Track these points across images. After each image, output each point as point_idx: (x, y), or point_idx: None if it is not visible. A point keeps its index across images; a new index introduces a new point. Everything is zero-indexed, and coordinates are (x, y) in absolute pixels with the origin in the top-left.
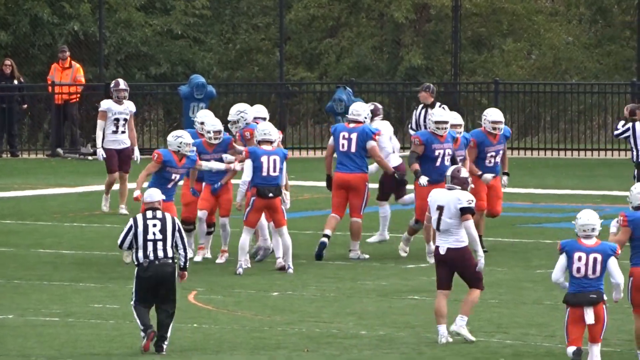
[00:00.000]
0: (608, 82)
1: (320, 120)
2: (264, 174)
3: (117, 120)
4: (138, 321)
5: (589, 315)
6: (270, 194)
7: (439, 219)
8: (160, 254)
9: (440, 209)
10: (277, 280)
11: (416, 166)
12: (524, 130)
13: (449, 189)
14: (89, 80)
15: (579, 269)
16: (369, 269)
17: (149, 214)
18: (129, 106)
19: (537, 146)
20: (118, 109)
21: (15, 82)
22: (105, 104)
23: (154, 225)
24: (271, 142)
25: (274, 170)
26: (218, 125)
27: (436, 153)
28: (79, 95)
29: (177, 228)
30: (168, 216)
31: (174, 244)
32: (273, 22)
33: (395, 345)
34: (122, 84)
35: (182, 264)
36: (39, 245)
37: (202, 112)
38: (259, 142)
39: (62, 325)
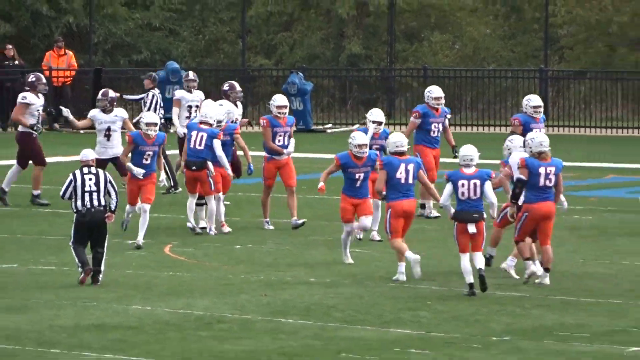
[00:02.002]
0: (520, 68)
1: None
2: (191, 146)
3: (190, 107)
4: (76, 259)
5: (472, 228)
6: (194, 167)
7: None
8: (95, 202)
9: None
10: (241, 236)
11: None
12: (453, 111)
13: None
14: (81, 66)
15: (463, 193)
16: (319, 227)
17: (85, 169)
18: (199, 95)
19: (460, 123)
20: (190, 97)
21: (17, 62)
22: (179, 93)
23: (90, 179)
24: (210, 124)
25: (199, 145)
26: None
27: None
28: (72, 78)
29: (108, 180)
30: (100, 171)
31: (106, 194)
32: (236, 17)
33: (339, 290)
34: (192, 75)
35: (112, 207)
36: (38, 206)
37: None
38: (200, 122)
39: (58, 273)
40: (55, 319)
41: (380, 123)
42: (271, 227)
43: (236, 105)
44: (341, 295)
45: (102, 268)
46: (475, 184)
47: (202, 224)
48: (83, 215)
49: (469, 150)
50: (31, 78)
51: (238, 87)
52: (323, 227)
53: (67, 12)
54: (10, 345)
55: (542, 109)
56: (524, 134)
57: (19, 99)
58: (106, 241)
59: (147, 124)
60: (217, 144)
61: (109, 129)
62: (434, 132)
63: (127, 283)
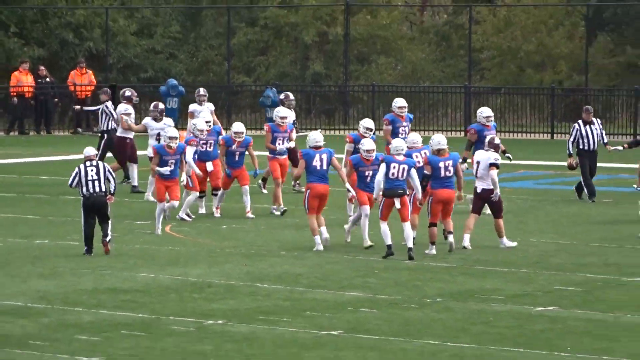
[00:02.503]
0: (448, 85)
1: (255, 110)
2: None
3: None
4: (84, 236)
5: (397, 202)
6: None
7: (476, 170)
8: (97, 189)
9: (478, 163)
10: (226, 218)
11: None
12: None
13: (486, 150)
14: (98, 82)
15: (393, 174)
16: (291, 211)
17: (88, 163)
18: (209, 106)
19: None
20: (200, 109)
21: (48, 80)
22: (192, 107)
23: (92, 170)
24: (174, 139)
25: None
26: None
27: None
28: (91, 92)
29: (107, 170)
30: (100, 163)
31: (105, 181)
32: (223, 43)
33: (304, 261)
34: (202, 90)
35: (112, 191)
36: (65, 193)
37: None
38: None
39: (80, 247)
40: (78, 284)
41: (370, 129)
42: (278, 212)
43: (291, 110)
44: (306, 265)
45: (110, 236)
46: (403, 168)
47: (201, 210)
48: (87, 199)
49: (400, 144)
50: (127, 93)
51: (292, 96)
52: (292, 211)
53: (88, 39)
54: (42, 305)
55: (492, 118)
56: (479, 140)
57: (123, 110)
58: (110, 217)
59: (170, 138)
60: (188, 150)
61: (158, 134)
62: (401, 134)
63: (136, 255)
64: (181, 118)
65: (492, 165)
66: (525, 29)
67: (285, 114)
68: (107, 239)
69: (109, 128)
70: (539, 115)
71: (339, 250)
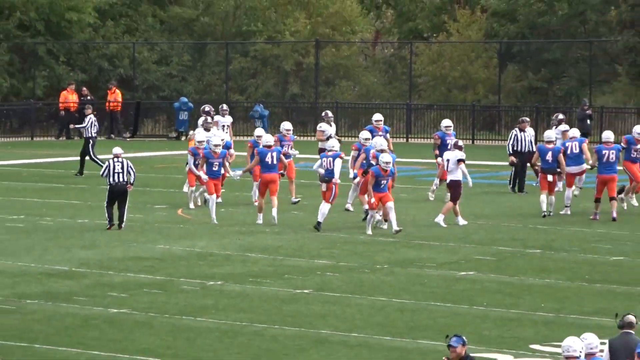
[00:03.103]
0: (394, 102)
1: (246, 120)
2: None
3: (224, 126)
4: (106, 214)
5: (324, 187)
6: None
7: (447, 166)
8: (120, 179)
9: (448, 160)
10: (225, 205)
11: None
12: (351, 129)
13: (453, 150)
14: (126, 99)
15: (324, 165)
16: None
17: (115, 159)
18: (229, 119)
19: (357, 135)
20: (223, 120)
21: (89, 97)
22: (217, 118)
23: (118, 165)
24: (218, 146)
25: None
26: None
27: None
28: (120, 106)
29: (129, 166)
30: (124, 160)
31: (127, 174)
32: (222, 70)
33: (283, 236)
34: (225, 106)
35: (132, 181)
36: (100, 184)
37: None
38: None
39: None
40: (110, 253)
41: (368, 139)
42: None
43: (330, 125)
44: (285, 240)
45: (125, 219)
46: (329, 161)
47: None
48: (112, 187)
49: (333, 143)
50: (206, 108)
51: (330, 114)
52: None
53: (119, 66)
54: (82, 269)
55: (452, 128)
56: (442, 144)
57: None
58: (127, 203)
59: (215, 145)
60: (189, 159)
61: (224, 126)
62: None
63: (154, 231)
64: (190, 128)
65: (459, 160)
66: (453, 60)
67: (288, 127)
68: (123, 223)
69: (93, 135)
70: (463, 126)
71: (310, 229)
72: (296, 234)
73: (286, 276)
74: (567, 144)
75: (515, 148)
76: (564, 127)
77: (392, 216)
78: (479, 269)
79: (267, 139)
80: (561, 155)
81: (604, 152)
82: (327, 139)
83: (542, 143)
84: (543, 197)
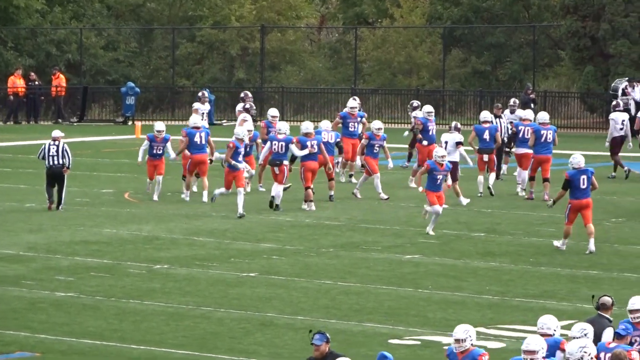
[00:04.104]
0: (339, 87)
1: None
2: (197, 142)
3: (203, 113)
4: (46, 194)
5: (276, 169)
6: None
7: (445, 147)
8: (56, 162)
9: (446, 142)
10: (170, 188)
11: None
12: (296, 113)
13: (451, 133)
14: (74, 84)
15: (275, 149)
16: (216, 182)
17: (52, 142)
18: (208, 106)
19: (304, 120)
20: (203, 108)
21: (37, 83)
22: (197, 105)
23: (53, 148)
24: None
25: (203, 141)
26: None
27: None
28: (64, 91)
29: (64, 149)
30: (61, 143)
31: (63, 157)
32: (169, 55)
33: (229, 220)
34: (207, 93)
35: (67, 164)
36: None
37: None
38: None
39: (61, 209)
40: (58, 237)
41: (380, 129)
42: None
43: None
44: (231, 223)
45: (63, 201)
46: (282, 145)
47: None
48: (48, 169)
49: (282, 126)
50: (242, 95)
51: (358, 100)
52: (217, 182)
53: (67, 52)
54: (30, 253)
55: (433, 114)
56: (424, 130)
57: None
58: (65, 185)
59: (243, 135)
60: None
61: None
62: (352, 128)
63: (102, 215)
64: (137, 112)
65: (458, 143)
66: (397, 45)
67: (274, 113)
68: (61, 204)
69: None
70: (407, 110)
71: (255, 213)
72: (242, 218)
73: (232, 259)
74: (520, 127)
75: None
76: (525, 113)
77: (434, 220)
78: (424, 252)
79: (196, 120)
80: (498, 134)
81: (542, 132)
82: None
83: (479, 123)
84: (480, 178)
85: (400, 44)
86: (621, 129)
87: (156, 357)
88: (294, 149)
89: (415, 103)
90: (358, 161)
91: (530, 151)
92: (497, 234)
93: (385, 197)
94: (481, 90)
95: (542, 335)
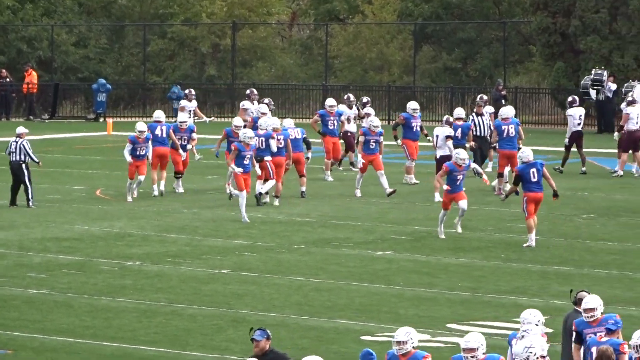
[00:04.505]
0: (310, 83)
1: (164, 102)
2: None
3: (190, 111)
4: (10, 193)
5: (257, 166)
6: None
7: (436, 142)
8: (14, 158)
9: (437, 136)
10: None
11: None
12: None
13: (442, 127)
14: (46, 81)
15: (258, 146)
16: (189, 178)
17: (13, 139)
18: (195, 103)
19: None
20: (189, 105)
21: (8, 80)
22: (184, 102)
23: (13, 144)
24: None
25: (165, 134)
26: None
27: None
28: (36, 87)
29: (22, 145)
30: (20, 140)
31: (20, 153)
32: (140, 51)
33: (200, 217)
34: (193, 91)
35: (24, 161)
36: None
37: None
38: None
39: (32, 207)
40: (30, 234)
41: (377, 126)
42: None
43: (350, 108)
44: (202, 220)
45: (31, 197)
46: (262, 140)
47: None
48: (10, 165)
49: (264, 122)
50: (247, 91)
51: (352, 97)
52: (189, 178)
53: (38, 49)
54: (1, 250)
55: (418, 110)
56: (405, 125)
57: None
58: (27, 181)
59: (249, 137)
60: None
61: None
62: (331, 125)
63: (74, 212)
64: (108, 109)
65: (448, 137)
66: (369, 41)
67: (264, 110)
68: (31, 204)
69: None
70: (379, 106)
71: (226, 209)
72: (213, 213)
73: (204, 256)
74: (503, 127)
75: (474, 133)
76: (489, 108)
77: (459, 220)
78: (395, 248)
79: (159, 115)
80: (471, 132)
81: (503, 127)
82: (348, 119)
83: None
84: None
85: (371, 40)
86: (579, 123)
87: (128, 354)
88: (272, 144)
89: (365, 99)
90: (359, 159)
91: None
92: (469, 230)
93: (390, 190)
94: (452, 86)
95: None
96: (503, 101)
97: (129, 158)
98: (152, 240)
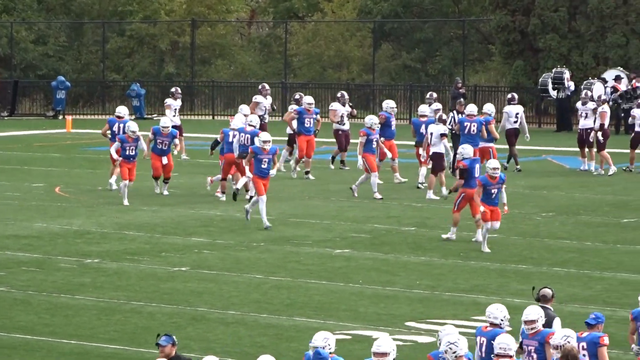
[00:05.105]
0: (270, 81)
1: (123, 99)
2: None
3: (176, 109)
4: None
5: (243, 162)
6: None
7: (430, 139)
8: None
9: (431, 134)
10: (99, 185)
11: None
12: (227, 107)
13: (437, 124)
14: (5, 78)
15: (241, 141)
16: (147, 177)
17: None
18: (179, 102)
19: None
20: (175, 104)
21: None
22: (169, 101)
23: None
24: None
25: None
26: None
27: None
28: None
29: None
30: None
31: None
32: (99, 49)
33: (160, 215)
34: (179, 90)
35: None
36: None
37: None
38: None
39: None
40: None
41: (376, 123)
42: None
43: (345, 106)
44: (161, 217)
45: None
46: (247, 138)
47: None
48: None
49: (252, 119)
50: (260, 87)
51: (346, 95)
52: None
53: None
54: None
55: (396, 110)
56: (385, 124)
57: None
58: None
59: (264, 141)
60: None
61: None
62: (307, 124)
63: (32, 209)
64: (68, 107)
65: (442, 135)
66: (328, 39)
67: (335, 108)
68: None
69: None
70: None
71: (186, 207)
72: (172, 211)
73: (163, 254)
74: (465, 124)
75: (453, 131)
76: (436, 105)
77: (485, 235)
78: (355, 246)
79: (120, 110)
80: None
81: (465, 124)
82: (341, 119)
83: (416, 117)
84: (423, 170)
85: (330, 38)
86: (515, 121)
87: (87, 351)
88: (257, 142)
89: (297, 95)
90: (360, 161)
91: (489, 144)
92: (428, 228)
93: (380, 197)
94: (411, 84)
95: (491, 325)
96: (462, 99)
97: (115, 155)
98: (112, 237)
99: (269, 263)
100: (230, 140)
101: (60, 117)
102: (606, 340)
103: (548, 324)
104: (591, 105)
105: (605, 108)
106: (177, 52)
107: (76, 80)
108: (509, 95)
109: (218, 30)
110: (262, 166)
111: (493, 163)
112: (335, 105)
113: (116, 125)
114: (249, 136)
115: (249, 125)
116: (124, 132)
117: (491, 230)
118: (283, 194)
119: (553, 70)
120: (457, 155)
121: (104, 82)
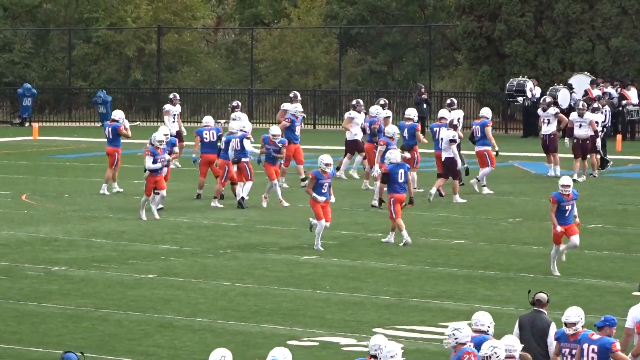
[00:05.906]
0: (236, 87)
1: (89, 106)
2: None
3: (175, 115)
4: None
5: (235, 167)
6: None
7: (440, 144)
8: None
9: (442, 139)
10: (66, 192)
11: None
12: (193, 114)
13: (447, 130)
14: None
15: (232, 146)
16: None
17: None
18: (179, 108)
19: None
20: (174, 110)
21: None
22: (168, 107)
23: None
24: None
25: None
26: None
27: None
28: None
29: None
30: None
31: None
32: (65, 56)
33: (127, 222)
34: (177, 95)
35: None
36: None
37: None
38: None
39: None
40: None
41: (396, 133)
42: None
43: (359, 113)
44: (128, 225)
45: None
46: (237, 142)
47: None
48: None
49: (245, 124)
50: (291, 95)
51: (361, 102)
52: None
53: None
54: None
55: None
56: (379, 130)
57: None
58: None
59: (326, 164)
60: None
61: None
62: (296, 131)
63: None
64: (34, 114)
65: (451, 141)
66: (294, 45)
67: (353, 115)
68: None
69: None
70: (304, 111)
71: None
72: (139, 218)
73: (130, 261)
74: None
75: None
76: (386, 113)
77: (563, 251)
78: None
79: (117, 113)
80: (419, 133)
81: (434, 129)
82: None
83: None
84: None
85: (297, 44)
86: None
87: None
88: (247, 145)
89: (382, 101)
90: (376, 168)
91: (483, 148)
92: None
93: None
94: (377, 90)
95: (476, 331)
96: (424, 105)
97: (153, 166)
98: (79, 245)
99: (236, 270)
100: (206, 140)
101: (27, 124)
102: (618, 346)
103: (543, 329)
104: (552, 111)
105: (592, 116)
106: (143, 59)
107: (42, 87)
108: (448, 101)
109: (184, 37)
110: (322, 190)
111: (564, 180)
112: (352, 114)
113: (106, 129)
114: (238, 140)
115: (241, 130)
116: (117, 135)
117: (571, 247)
118: (250, 201)
119: (515, 82)
120: (385, 160)
121: (70, 89)
